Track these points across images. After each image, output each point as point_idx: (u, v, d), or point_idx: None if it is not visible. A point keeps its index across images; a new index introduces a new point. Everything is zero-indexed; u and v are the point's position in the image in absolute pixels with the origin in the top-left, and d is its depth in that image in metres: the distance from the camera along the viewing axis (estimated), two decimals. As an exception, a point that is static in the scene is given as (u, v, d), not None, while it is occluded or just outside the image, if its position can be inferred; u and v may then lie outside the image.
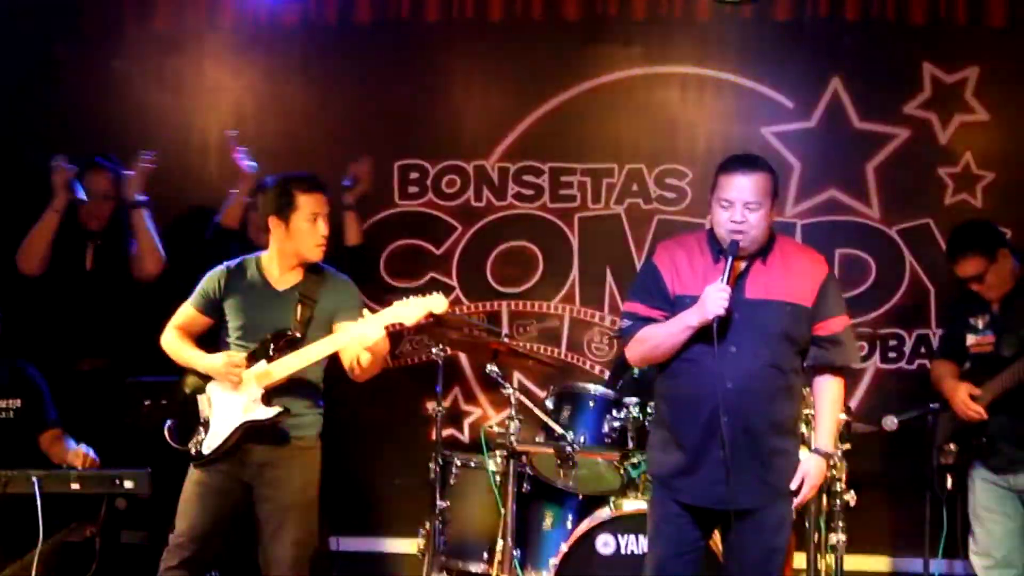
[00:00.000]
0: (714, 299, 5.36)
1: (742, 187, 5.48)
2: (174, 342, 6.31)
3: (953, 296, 7.35)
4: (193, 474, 6.20)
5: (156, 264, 7.51)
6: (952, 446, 6.92)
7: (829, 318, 5.63)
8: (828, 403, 5.74)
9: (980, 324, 6.90)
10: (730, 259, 5.47)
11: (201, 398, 6.21)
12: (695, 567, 5.67)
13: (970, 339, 6.95)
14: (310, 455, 6.26)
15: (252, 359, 6.11)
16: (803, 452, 5.73)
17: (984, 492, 6.87)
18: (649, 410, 6.68)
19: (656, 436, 5.75)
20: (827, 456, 5.70)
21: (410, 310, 5.94)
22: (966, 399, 6.79)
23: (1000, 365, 6.74)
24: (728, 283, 5.42)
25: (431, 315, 6.01)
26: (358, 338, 5.93)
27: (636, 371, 6.94)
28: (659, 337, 5.54)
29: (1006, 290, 6.84)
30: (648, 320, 5.59)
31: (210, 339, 6.38)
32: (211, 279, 6.34)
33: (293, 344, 6.10)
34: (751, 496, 5.52)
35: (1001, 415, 6.74)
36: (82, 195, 7.42)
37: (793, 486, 5.61)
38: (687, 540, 5.64)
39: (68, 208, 7.43)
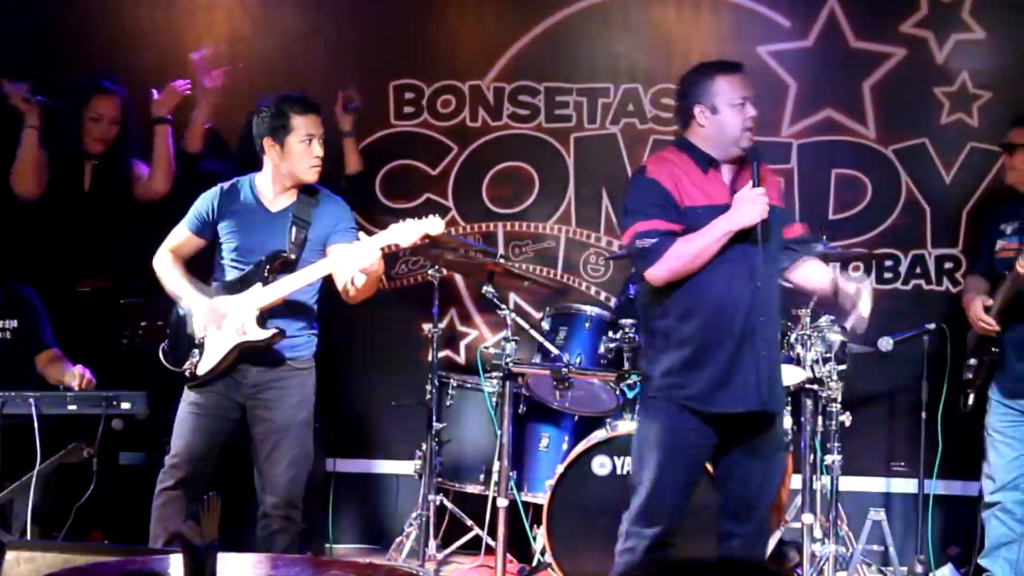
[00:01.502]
0: (757, 204, 5.40)
1: (748, 83, 5.56)
2: (166, 267, 6.32)
3: (990, 209, 7.37)
4: (188, 395, 6.24)
5: (166, 183, 7.46)
6: (972, 360, 6.91)
7: (793, 222, 5.79)
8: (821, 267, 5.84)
9: (1008, 230, 6.87)
10: (756, 163, 5.49)
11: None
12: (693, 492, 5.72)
13: (998, 244, 6.93)
14: (305, 376, 6.28)
15: (247, 281, 6.13)
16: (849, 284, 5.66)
17: (997, 414, 6.85)
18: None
19: (674, 359, 5.56)
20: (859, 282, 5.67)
21: (406, 232, 5.95)
22: (978, 310, 6.79)
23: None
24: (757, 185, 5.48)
25: (427, 236, 6.02)
26: (353, 260, 5.93)
27: (632, 291, 6.95)
28: (698, 247, 5.43)
29: None
30: (671, 233, 5.47)
31: (205, 260, 6.39)
32: (205, 200, 6.35)
33: (287, 266, 6.11)
34: (780, 400, 5.66)
35: (1014, 329, 6.73)
36: (42, 99, 7.38)
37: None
38: (699, 467, 5.67)
39: (70, 130, 7.39)
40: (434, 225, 5.97)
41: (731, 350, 5.46)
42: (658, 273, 5.46)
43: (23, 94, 7.33)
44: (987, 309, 6.75)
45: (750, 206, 5.40)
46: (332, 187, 6.44)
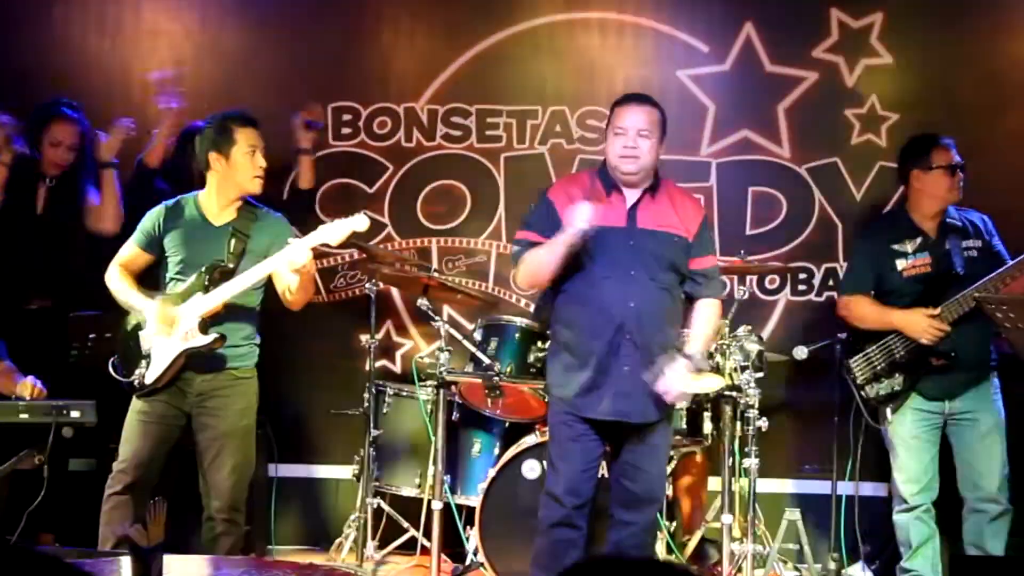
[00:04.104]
0: (579, 213, 5.68)
1: (636, 116, 5.91)
2: (116, 281, 6.45)
3: (869, 231, 7.41)
4: (136, 404, 6.35)
5: (116, 223, 7.41)
6: (898, 375, 6.83)
7: (704, 255, 6.05)
8: (703, 317, 6.09)
9: (910, 248, 6.84)
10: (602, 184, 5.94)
11: (143, 332, 6.35)
12: (596, 480, 6.01)
13: (901, 264, 6.84)
14: (248, 385, 6.42)
15: (189, 291, 6.27)
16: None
17: (915, 421, 6.85)
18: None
19: (557, 362, 6.01)
20: (688, 357, 5.94)
21: (334, 231, 6.09)
22: (930, 320, 6.64)
23: (951, 280, 6.69)
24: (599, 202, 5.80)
25: (354, 234, 6.12)
26: (287, 262, 6.09)
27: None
28: (540, 256, 5.87)
29: (943, 207, 6.84)
30: (534, 244, 5.95)
31: (152, 273, 6.55)
32: (151, 217, 6.49)
33: (226, 275, 6.26)
34: (644, 411, 5.87)
35: (954, 336, 6.67)
36: (24, 148, 7.34)
37: (660, 388, 5.87)
38: (593, 456, 5.97)
39: (28, 154, 7.35)
40: (359, 222, 6.06)
41: (597, 362, 5.85)
42: (518, 278, 6.08)
43: (8, 132, 7.25)
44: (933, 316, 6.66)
45: (576, 216, 5.70)
46: (276, 197, 6.60)
